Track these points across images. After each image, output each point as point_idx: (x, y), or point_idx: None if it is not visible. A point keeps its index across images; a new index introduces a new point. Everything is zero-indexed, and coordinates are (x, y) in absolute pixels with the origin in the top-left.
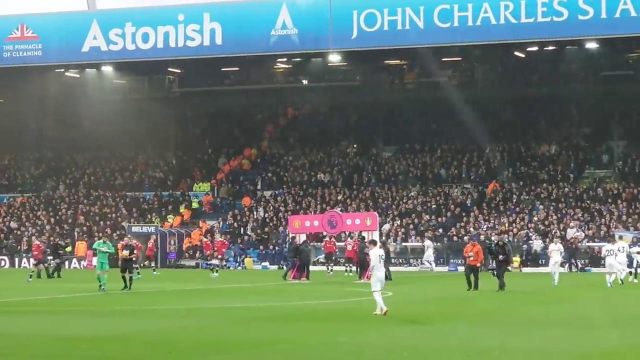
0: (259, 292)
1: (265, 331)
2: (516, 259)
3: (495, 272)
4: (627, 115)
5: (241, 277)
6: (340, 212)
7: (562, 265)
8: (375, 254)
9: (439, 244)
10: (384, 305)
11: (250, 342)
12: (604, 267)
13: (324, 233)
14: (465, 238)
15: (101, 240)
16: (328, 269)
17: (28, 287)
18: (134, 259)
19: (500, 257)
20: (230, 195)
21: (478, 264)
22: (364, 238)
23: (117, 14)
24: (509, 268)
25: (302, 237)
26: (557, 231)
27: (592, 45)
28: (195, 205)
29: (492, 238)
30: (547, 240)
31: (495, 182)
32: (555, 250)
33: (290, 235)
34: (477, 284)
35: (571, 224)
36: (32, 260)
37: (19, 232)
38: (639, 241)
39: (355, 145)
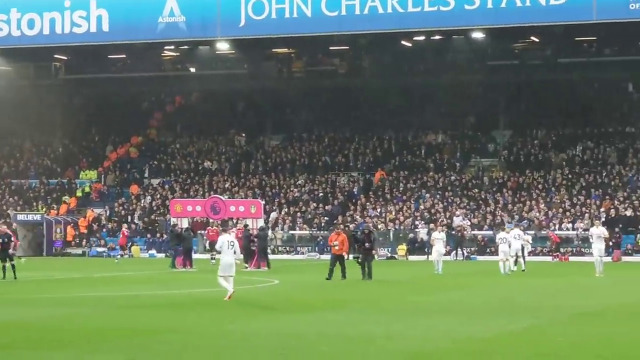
0: (146, 281)
1: (152, 319)
2: (402, 247)
3: (359, 260)
4: (512, 105)
5: (128, 265)
6: (224, 199)
7: (448, 253)
8: (223, 240)
9: (325, 232)
10: (232, 289)
11: (137, 330)
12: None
13: (211, 221)
14: (331, 228)
15: None
16: (211, 257)
17: None
18: (11, 248)
19: (366, 245)
20: (118, 183)
21: (344, 253)
22: (247, 226)
23: (2, 0)
24: (375, 256)
25: (184, 223)
26: (444, 219)
27: (478, 35)
28: (80, 193)
29: (379, 227)
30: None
31: (382, 171)
32: (439, 239)
33: (172, 222)
34: (344, 272)
35: (457, 213)
36: None
37: None
38: (526, 230)
39: (243, 134)
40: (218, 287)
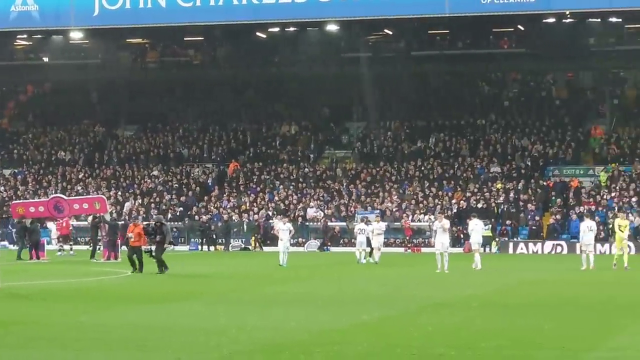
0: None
1: (2, 311)
2: (255, 239)
3: (152, 254)
4: (366, 97)
5: None
6: (66, 197)
7: (301, 244)
8: None
9: (180, 223)
10: None
11: None
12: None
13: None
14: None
15: None
16: (60, 249)
17: None
18: None
19: (157, 237)
20: None
21: (141, 245)
22: (95, 217)
23: None
24: (167, 247)
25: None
26: (297, 211)
27: (332, 27)
28: None
29: (233, 217)
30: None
31: (236, 162)
32: (284, 230)
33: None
34: (141, 265)
35: (311, 204)
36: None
37: None
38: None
39: (97, 124)
40: (69, 278)
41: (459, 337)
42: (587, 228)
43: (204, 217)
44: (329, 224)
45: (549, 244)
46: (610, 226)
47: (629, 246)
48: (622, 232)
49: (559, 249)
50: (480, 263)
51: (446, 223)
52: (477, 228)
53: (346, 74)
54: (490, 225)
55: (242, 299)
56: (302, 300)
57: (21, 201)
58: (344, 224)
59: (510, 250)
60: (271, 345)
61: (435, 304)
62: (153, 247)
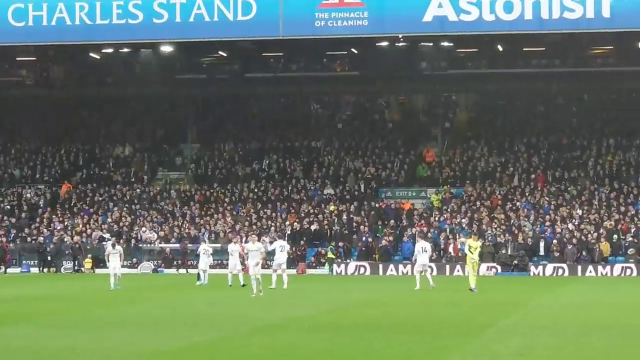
0: None
1: None
2: (88, 261)
3: None
4: (200, 119)
5: None
6: None
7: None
8: None
9: (12, 244)
10: None
11: None
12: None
13: None
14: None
15: None
16: None
17: None
18: None
19: None
20: None
21: None
22: None
23: None
24: None
25: None
26: (132, 233)
27: (166, 49)
28: None
29: (65, 240)
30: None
31: (68, 183)
32: (114, 254)
33: None
34: None
35: (144, 227)
36: None
37: None
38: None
39: None
40: None
41: (289, 358)
42: (422, 249)
43: (40, 238)
44: (162, 245)
45: (385, 265)
46: (443, 247)
47: (430, 267)
48: (473, 253)
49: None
50: (432, 281)
51: (260, 246)
52: (427, 249)
53: (180, 96)
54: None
55: (74, 321)
56: (134, 322)
57: None
58: (178, 245)
59: (343, 272)
60: None
61: (267, 325)
62: None
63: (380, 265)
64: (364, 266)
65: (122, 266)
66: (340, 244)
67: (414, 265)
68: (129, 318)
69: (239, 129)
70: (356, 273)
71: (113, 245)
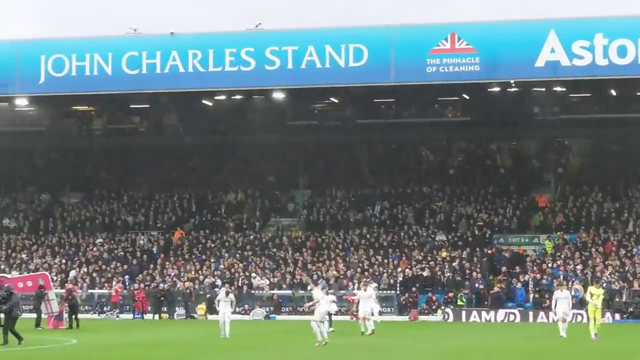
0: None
1: None
2: (201, 307)
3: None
4: (311, 165)
5: None
6: (9, 276)
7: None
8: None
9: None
10: None
11: None
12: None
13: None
14: (136, 285)
15: None
16: None
17: None
18: None
19: (4, 307)
20: None
21: None
22: (41, 287)
23: None
24: (20, 313)
25: None
26: (244, 279)
27: (278, 95)
28: None
29: (178, 286)
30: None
31: (181, 230)
32: (225, 302)
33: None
34: None
35: (253, 274)
36: None
37: None
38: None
39: (43, 192)
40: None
41: None
42: (563, 297)
43: (154, 284)
44: (274, 291)
45: (501, 312)
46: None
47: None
48: (595, 300)
49: (511, 317)
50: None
51: (372, 292)
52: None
53: (292, 142)
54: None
55: None
56: None
57: None
58: (290, 292)
59: (463, 319)
60: None
61: None
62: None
63: (532, 313)
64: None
65: (234, 312)
66: (453, 290)
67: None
68: None
69: (351, 175)
70: (506, 320)
71: (227, 294)
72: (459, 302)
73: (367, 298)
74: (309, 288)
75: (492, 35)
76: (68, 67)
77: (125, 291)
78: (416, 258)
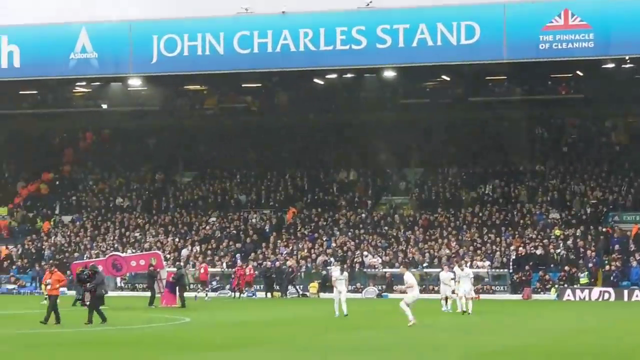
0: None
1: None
2: (314, 285)
3: (84, 302)
4: (423, 143)
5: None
6: (123, 255)
7: (359, 291)
8: None
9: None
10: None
11: None
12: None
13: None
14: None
15: None
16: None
17: None
18: None
19: (89, 285)
20: (28, 220)
21: (57, 293)
22: (152, 265)
23: None
24: (105, 292)
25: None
26: (356, 257)
27: (389, 74)
28: None
29: (289, 264)
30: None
31: (293, 208)
32: (340, 280)
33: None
34: (58, 317)
35: (365, 252)
36: None
37: None
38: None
39: (156, 171)
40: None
41: None
42: None
43: (267, 263)
44: (386, 270)
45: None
46: None
47: None
48: None
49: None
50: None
51: (469, 272)
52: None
53: (404, 120)
54: None
55: (303, 346)
56: (359, 348)
57: (80, 261)
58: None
59: (571, 297)
60: None
61: (493, 352)
62: (87, 295)
63: (626, 292)
64: (607, 292)
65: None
66: (566, 268)
67: None
68: (355, 344)
69: (463, 153)
70: (600, 299)
71: (341, 271)
72: (582, 281)
73: (465, 277)
74: (400, 271)
75: (606, 11)
76: (180, 47)
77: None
78: (529, 236)
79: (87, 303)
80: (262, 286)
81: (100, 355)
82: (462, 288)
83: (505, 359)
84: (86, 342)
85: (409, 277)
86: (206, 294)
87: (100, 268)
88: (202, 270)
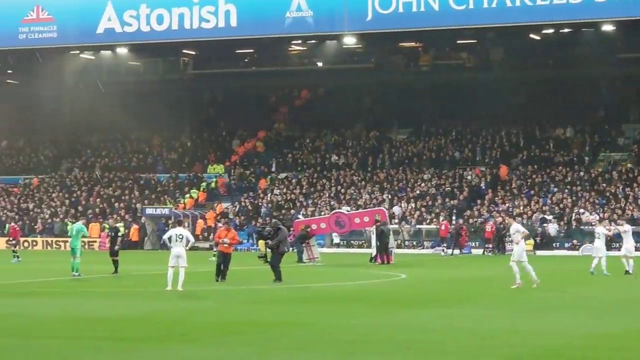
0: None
1: (280, 313)
2: (529, 242)
3: (268, 259)
4: None
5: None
6: (347, 212)
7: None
8: (171, 233)
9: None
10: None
11: (265, 324)
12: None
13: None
14: (460, 221)
15: (79, 223)
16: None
17: (40, 269)
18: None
19: (272, 242)
20: (244, 178)
21: (230, 252)
22: (378, 221)
23: None
24: (287, 249)
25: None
26: (572, 214)
27: (608, 28)
28: (207, 187)
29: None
30: (562, 223)
31: (507, 165)
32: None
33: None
34: (225, 273)
35: (582, 210)
36: (11, 241)
37: (33, 213)
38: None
39: (370, 129)
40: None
41: None
42: None
43: (480, 220)
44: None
45: None
46: None
47: None
48: None
49: None
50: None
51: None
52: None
53: (622, 75)
54: None
55: (517, 302)
56: (576, 305)
57: (303, 219)
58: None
59: None
60: (545, 349)
61: None
62: (269, 252)
63: None
64: None
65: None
66: None
67: None
68: (569, 300)
69: None
70: None
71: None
72: None
73: (626, 234)
74: (507, 223)
75: None
76: (395, 4)
77: (451, 227)
78: None
79: (269, 260)
80: (477, 243)
81: (326, 309)
82: (625, 246)
83: None
84: (303, 298)
85: (516, 228)
86: (443, 250)
87: (280, 224)
88: (442, 227)
